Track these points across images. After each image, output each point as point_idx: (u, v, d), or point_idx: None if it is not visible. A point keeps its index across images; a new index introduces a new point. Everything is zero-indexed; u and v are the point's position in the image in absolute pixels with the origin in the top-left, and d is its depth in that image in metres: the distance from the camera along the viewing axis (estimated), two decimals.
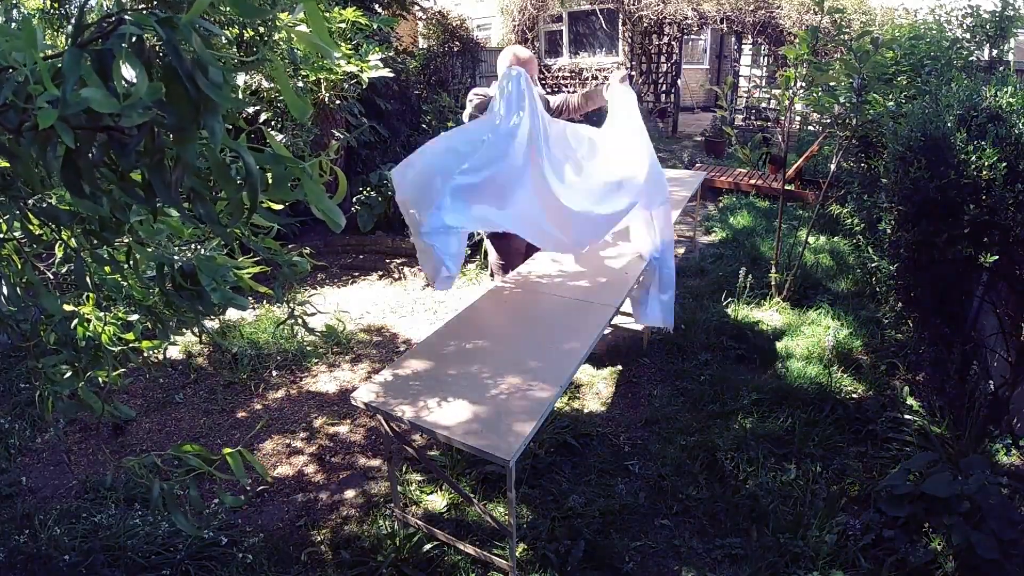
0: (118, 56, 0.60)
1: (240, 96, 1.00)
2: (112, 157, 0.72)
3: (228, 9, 0.85)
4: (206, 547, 2.35)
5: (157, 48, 0.69)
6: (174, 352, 3.86)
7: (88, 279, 1.21)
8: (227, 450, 1.17)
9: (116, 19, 0.63)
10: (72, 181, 0.70)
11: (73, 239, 1.16)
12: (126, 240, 1.20)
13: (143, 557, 2.30)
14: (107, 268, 1.25)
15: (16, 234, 1.20)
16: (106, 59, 0.61)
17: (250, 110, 4.39)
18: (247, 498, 2.68)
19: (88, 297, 1.35)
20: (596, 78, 10.52)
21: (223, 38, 1.79)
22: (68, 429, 3.16)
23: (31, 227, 1.18)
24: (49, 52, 0.68)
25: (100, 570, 2.26)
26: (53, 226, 1.13)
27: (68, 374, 1.36)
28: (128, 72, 0.62)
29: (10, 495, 2.71)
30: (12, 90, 0.60)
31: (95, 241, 1.12)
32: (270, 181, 0.96)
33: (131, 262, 1.25)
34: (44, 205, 1.06)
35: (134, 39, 0.63)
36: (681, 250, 5.54)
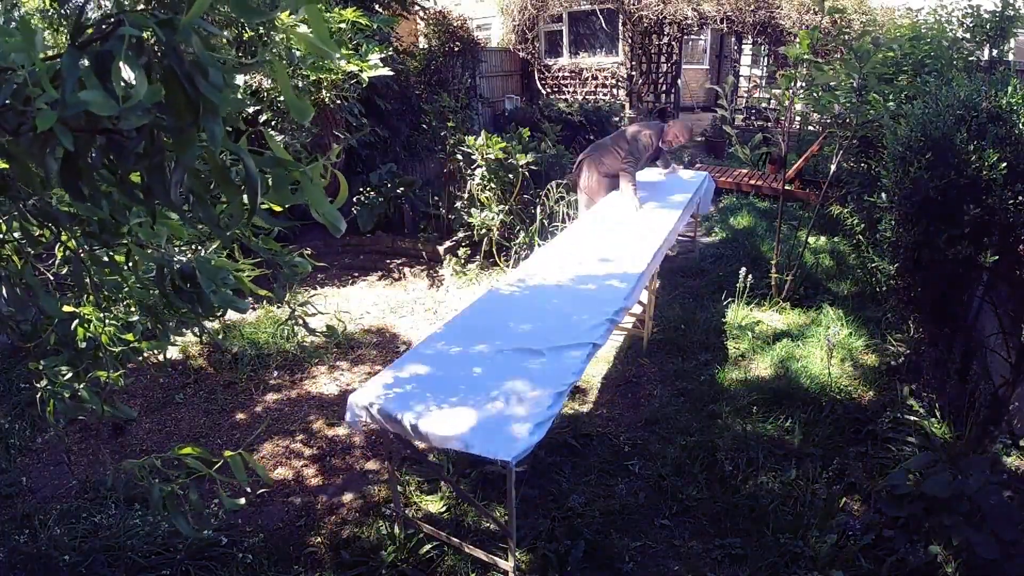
0: (117, 58, 0.60)
1: (240, 96, 0.99)
2: (111, 159, 0.71)
3: (227, 9, 0.84)
4: (206, 547, 2.35)
5: (157, 50, 0.68)
6: (174, 352, 3.86)
7: (88, 280, 1.21)
8: (228, 453, 1.17)
9: (115, 20, 0.62)
10: (71, 184, 0.69)
11: (72, 240, 1.16)
12: (126, 242, 1.19)
13: (143, 557, 2.30)
14: (107, 271, 1.24)
15: (16, 235, 1.20)
16: (105, 61, 0.60)
17: (250, 110, 4.38)
18: (248, 502, 2.67)
19: (88, 297, 1.34)
20: (596, 78, 10.50)
21: (222, 39, 1.78)
22: (68, 429, 3.16)
23: (31, 228, 1.18)
24: (49, 53, 0.68)
25: (100, 570, 2.26)
26: (52, 227, 1.13)
27: (68, 375, 1.35)
28: (128, 74, 0.62)
29: (10, 495, 2.71)
30: (11, 92, 0.60)
31: (94, 243, 1.12)
32: (270, 184, 0.95)
33: (130, 264, 1.24)
34: (44, 205, 1.06)
35: (134, 40, 0.62)
36: (676, 252, 5.53)
